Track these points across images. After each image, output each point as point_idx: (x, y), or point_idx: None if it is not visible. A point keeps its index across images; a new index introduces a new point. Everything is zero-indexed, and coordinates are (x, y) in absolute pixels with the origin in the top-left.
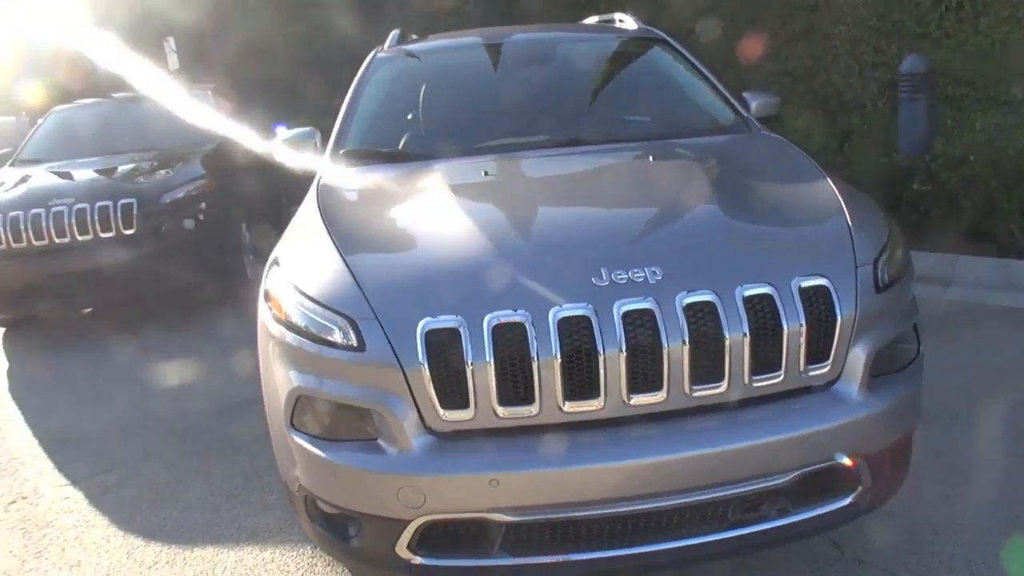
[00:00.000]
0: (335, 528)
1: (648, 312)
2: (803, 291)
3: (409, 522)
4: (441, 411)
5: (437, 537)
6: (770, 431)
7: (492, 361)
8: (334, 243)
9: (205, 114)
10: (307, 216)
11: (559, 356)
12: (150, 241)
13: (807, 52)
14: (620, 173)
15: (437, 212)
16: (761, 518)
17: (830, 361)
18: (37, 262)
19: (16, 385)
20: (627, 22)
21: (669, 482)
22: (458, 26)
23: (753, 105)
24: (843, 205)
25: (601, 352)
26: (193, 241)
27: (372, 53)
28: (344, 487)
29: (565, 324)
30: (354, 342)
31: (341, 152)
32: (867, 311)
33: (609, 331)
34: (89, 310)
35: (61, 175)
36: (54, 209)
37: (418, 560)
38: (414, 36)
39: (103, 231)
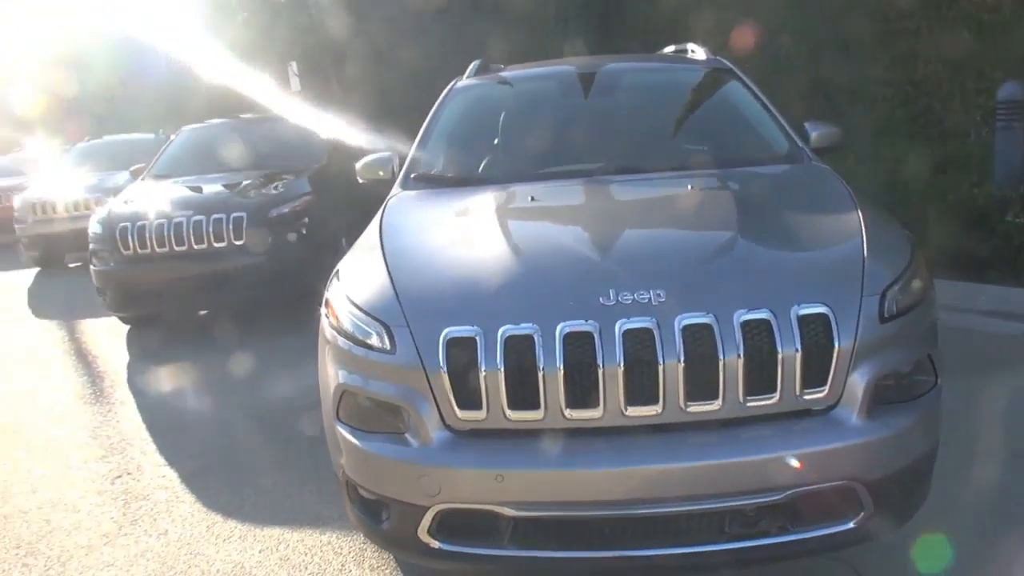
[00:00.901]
0: (370, 512)
1: (647, 331)
2: (802, 318)
3: (428, 508)
4: (457, 411)
5: (454, 526)
6: (762, 449)
7: (503, 369)
8: (384, 258)
9: (315, 135)
10: (369, 233)
11: (562, 367)
12: (257, 251)
13: (907, 78)
14: (654, 200)
15: (476, 233)
16: (760, 533)
17: (827, 387)
18: (159, 267)
19: (134, 376)
20: (698, 52)
21: (662, 489)
22: (558, 54)
23: (813, 135)
24: (864, 234)
25: (601, 366)
26: (296, 252)
27: (451, 83)
28: (375, 474)
29: (570, 339)
30: (387, 346)
31: (412, 176)
32: (868, 340)
33: (610, 347)
34: (205, 312)
35: (183, 189)
36: (175, 220)
37: (436, 544)
38: (501, 65)
39: (216, 241)
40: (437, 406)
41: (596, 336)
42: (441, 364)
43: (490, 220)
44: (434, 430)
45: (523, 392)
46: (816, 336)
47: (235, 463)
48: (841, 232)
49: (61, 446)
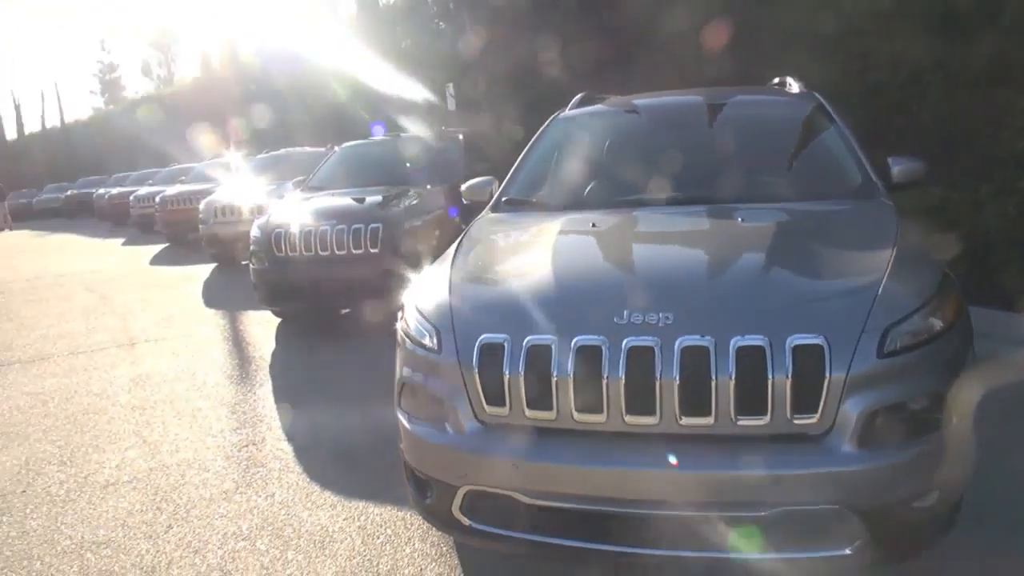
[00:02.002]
0: (419, 489)
1: (649, 349)
2: (796, 347)
3: (458, 488)
4: (486, 406)
5: (480, 507)
6: (749, 465)
7: (523, 373)
8: (449, 271)
9: (453, 154)
10: (449, 249)
11: (572, 375)
12: (390, 259)
13: None
14: (699, 231)
15: (530, 253)
16: (761, 548)
17: (818, 414)
18: (304, 269)
19: (275, 363)
20: (792, 86)
21: (653, 492)
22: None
23: (895, 170)
24: (887, 272)
25: (605, 377)
26: (427, 262)
27: (554, 114)
28: (420, 455)
29: (582, 351)
30: (436, 346)
31: (503, 200)
32: (863, 373)
33: (615, 361)
34: (346, 311)
35: (331, 200)
36: (321, 228)
37: (467, 522)
38: (605, 96)
39: (355, 248)
40: (470, 401)
41: (604, 350)
42: (474, 365)
43: (546, 242)
44: (466, 421)
45: (540, 394)
46: (809, 365)
47: (342, 444)
48: (865, 268)
49: (205, 416)
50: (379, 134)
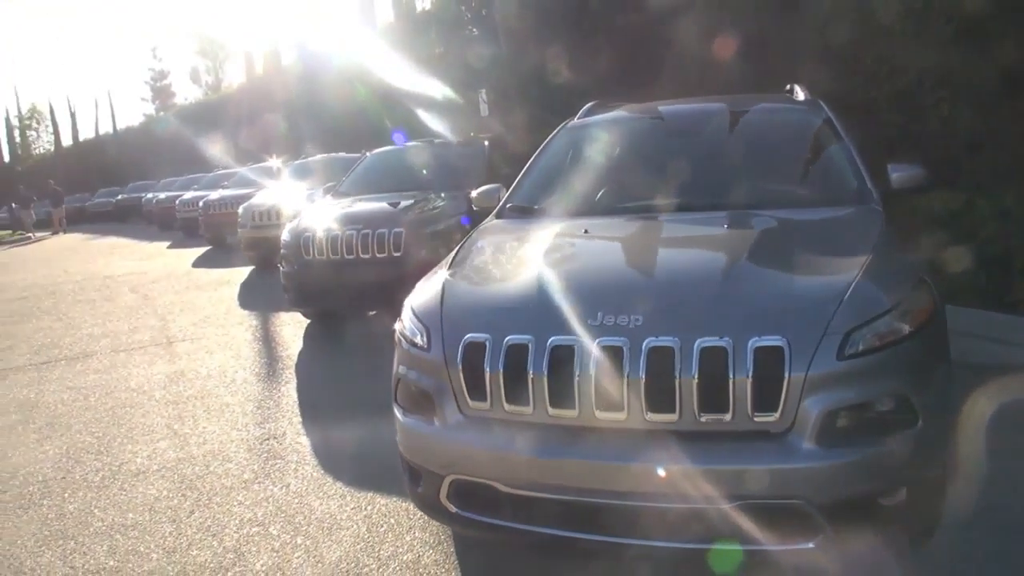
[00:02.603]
0: (413, 478)
1: (619, 349)
2: (758, 348)
3: (444, 477)
4: (469, 401)
5: (465, 495)
6: (711, 460)
7: (502, 370)
8: (445, 274)
9: (477, 160)
10: (450, 253)
11: (546, 373)
12: (412, 263)
13: None
14: (685, 237)
15: (521, 257)
16: (725, 539)
17: (778, 412)
18: (331, 272)
19: (302, 362)
20: (798, 93)
21: (620, 484)
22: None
23: (893, 176)
24: (858, 276)
25: (577, 375)
26: None
27: (562, 123)
28: (412, 445)
29: (556, 350)
30: (426, 345)
31: (508, 207)
32: (822, 374)
33: (587, 360)
34: (373, 312)
35: (358, 205)
36: (347, 232)
37: (454, 509)
38: (617, 105)
39: (378, 252)
40: (455, 396)
41: (577, 349)
42: (458, 363)
43: (537, 248)
44: (452, 415)
45: (518, 390)
46: (769, 365)
47: (359, 440)
48: (837, 273)
49: (232, 411)
50: (400, 141)
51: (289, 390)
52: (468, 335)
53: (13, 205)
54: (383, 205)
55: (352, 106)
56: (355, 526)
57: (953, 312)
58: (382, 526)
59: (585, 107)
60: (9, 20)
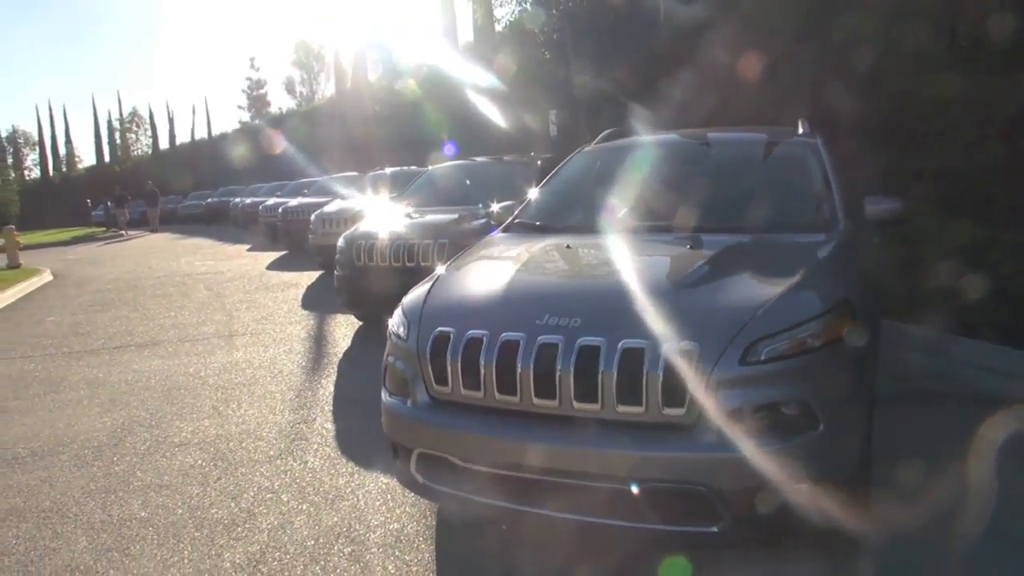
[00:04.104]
0: (394, 452)
1: (555, 345)
2: (671, 351)
3: (412, 450)
4: (435, 385)
5: (430, 468)
6: (622, 445)
7: (459, 359)
8: (436, 277)
9: (527, 177)
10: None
11: (495, 363)
12: None
13: None
14: (647, 255)
15: (502, 264)
16: (640, 518)
17: (685, 408)
18: (380, 278)
19: (346, 359)
20: (800, 127)
21: (547, 462)
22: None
23: (868, 208)
24: (777, 294)
25: (519, 365)
26: None
27: (579, 148)
28: (390, 422)
29: (505, 344)
30: (405, 336)
31: (516, 221)
32: (724, 377)
33: (528, 354)
34: None
35: (411, 217)
36: (396, 242)
37: (421, 480)
38: (635, 133)
39: (423, 261)
40: (424, 380)
41: (522, 344)
42: (427, 352)
43: (519, 258)
44: (421, 396)
45: (472, 377)
46: (680, 367)
47: (378, 429)
48: (763, 290)
49: (273, 398)
50: (450, 153)
51: (328, 383)
52: (438, 328)
53: (109, 204)
54: (433, 217)
55: (428, 121)
56: (355, 498)
57: (971, 345)
58: (378, 500)
59: (602, 134)
60: (114, 26)
